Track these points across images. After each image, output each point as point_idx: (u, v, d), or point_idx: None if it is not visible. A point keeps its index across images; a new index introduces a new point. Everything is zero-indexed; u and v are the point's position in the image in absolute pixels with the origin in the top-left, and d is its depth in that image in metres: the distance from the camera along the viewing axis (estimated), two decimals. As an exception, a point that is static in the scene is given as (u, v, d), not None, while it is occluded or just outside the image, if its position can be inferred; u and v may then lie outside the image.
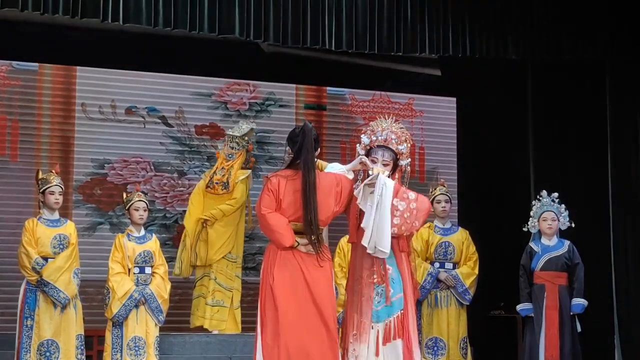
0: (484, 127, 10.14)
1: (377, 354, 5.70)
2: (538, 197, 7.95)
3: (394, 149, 5.83)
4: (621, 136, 8.81)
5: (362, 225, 5.71)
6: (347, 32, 7.69)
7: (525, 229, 7.96)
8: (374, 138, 5.90)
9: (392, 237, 5.67)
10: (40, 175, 7.32)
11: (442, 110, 10.45)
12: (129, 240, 7.44)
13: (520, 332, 9.26)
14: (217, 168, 8.45)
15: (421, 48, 8.04)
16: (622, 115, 8.81)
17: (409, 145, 5.90)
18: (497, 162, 9.98)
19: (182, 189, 9.59)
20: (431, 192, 8.07)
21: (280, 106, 10.03)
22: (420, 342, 7.08)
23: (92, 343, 7.73)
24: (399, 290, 5.75)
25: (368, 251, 5.70)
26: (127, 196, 7.60)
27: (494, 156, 10.00)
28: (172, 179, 9.61)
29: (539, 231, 7.88)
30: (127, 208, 7.55)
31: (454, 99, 10.46)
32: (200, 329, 8.33)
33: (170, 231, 9.50)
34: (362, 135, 5.95)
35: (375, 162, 5.81)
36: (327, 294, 5.68)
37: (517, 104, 9.58)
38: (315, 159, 5.72)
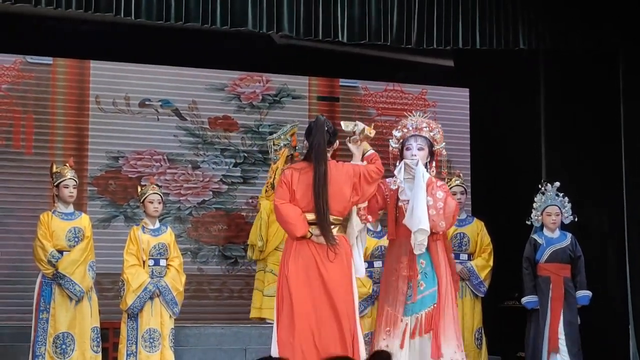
0: (496, 117, 10.12)
1: (401, 347, 5.74)
2: (542, 189, 7.92)
3: (427, 135, 5.96)
4: (635, 126, 8.77)
5: (403, 221, 5.79)
6: (359, 24, 7.68)
7: (528, 222, 7.96)
8: (405, 130, 6.11)
9: None
10: (55, 169, 7.36)
11: (455, 101, 10.44)
12: (144, 232, 7.48)
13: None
14: (269, 173, 8.84)
15: (434, 40, 8.01)
16: (636, 105, 8.77)
17: (440, 132, 6.02)
18: (510, 153, 9.96)
19: (195, 181, 9.62)
20: (446, 183, 8.07)
21: (293, 98, 10.05)
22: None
23: (107, 335, 7.78)
24: (432, 285, 5.79)
25: (420, 241, 5.75)
26: (141, 189, 7.64)
27: (506, 147, 9.99)
28: (186, 172, 9.64)
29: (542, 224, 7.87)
30: (141, 201, 7.59)
31: (467, 90, 10.44)
32: (258, 320, 8.50)
33: (184, 223, 9.54)
34: (393, 131, 6.11)
35: (410, 149, 5.94)
36: (341, 286, 5.73)
37: (530, 95, 9.55)
38: (330, 150, 5.88)
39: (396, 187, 6.00)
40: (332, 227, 5.80)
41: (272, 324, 8.03)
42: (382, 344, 5.81)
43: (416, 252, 5.81)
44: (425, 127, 6.06)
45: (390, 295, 5.89)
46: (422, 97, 10.46)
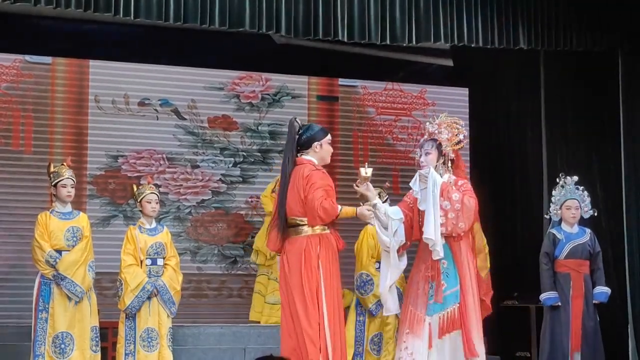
0: (496, 117, 10.13)
1: (430, 347, 5.76)
2: (561, 183, 7.72)
3: (437, 138, 5.99)
4: (634, 126, 8.78)
5: (423, 229, 5.82)
6: (359, 23, 7.68)
7: (547, 216, 7.82)
8: (423, 138, 6.19)
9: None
10: (52, 168, 7.31)
11: (455, 101, 10.42)
12: (141, 232, 7.45)
13: (534, 321, 9.27)
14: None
15: (433, 38, 8.00)
16: (635, 103, 8.77)
17: (450, 131, 5.99)
18: (510, 152, 9.96)
19: (195, 180, 9.62)
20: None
21: (293, 97, 10.05)
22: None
23: (107, 335, 7.77)
24: (454, 284, 5.80)
25: (432, 246, 5.82)
26: (138, 189, 7.60)
27: (506, 146, 9.99)
28: (185, 171, 9.64)
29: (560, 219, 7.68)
30: (139, 200, 7.54)
31: (466, 90, 10.44)
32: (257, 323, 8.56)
33: (183, 223, 9.54)
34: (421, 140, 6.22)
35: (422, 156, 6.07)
36: (291, 282, 5.82)
37: (530, 94, 9.56)
38: (299, 155, 5.97)
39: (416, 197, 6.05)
40: (295, 227, 5.91)
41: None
42: (402, 347, 5.86)
43: (434, 257, 5.84)
44: (436, 129, 6.06)
45: (413, 295, 5.95)
46: (422, 96, 10.46)
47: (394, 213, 6.01)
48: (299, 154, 6.00)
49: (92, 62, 9.43)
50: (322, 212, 5.75)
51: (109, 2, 6.88)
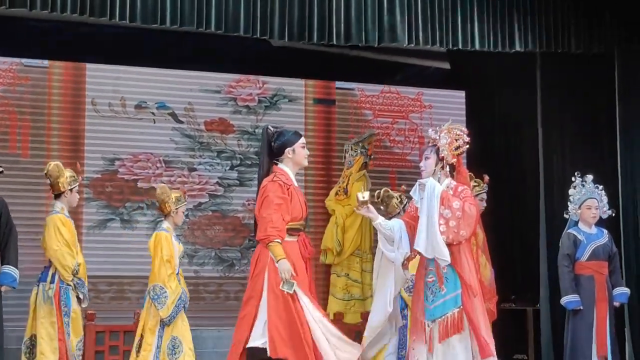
0: (493, 119, 10.13)
1: (430, 350, 5.76)
2: (581, 182, 7.54)
3: (437, 143, 6.01)
4: (631, 127, 8.79)
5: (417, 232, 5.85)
6: (355, 26, 7.67)
7: (566, 216, 7.59)
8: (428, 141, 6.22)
9: None
10: (70, 172, 7.32)
11: (451, 103, 10.43)
12: (174, 239, 7.44)
13: (531, 324, 9.28)
14: (342, 177, 9.25)
15: (429, 42, 8.00)
16: (632, 105, 8.78)
17: (449, 136, 6.00)
18: (506, 155, 9.97)
19: (192, 183, 9.62)
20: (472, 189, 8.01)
21: (290, 101, 10.05)
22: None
23: (103, 338, 7.76)
24: (454, 289, 5.79)
25: (424, 255, 5.83)
26: (177, 196, 7.50)
27: (503, 149, 9.99)
28: (182, 174, 9.64)
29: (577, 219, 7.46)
30: (176, 207, 7.45)
31: (463, 92, 10.45)
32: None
33: (180, 226, 9.51)
34: None
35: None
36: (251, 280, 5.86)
37: (526, 97, 9.56)
38: (275, 162, 5.93)
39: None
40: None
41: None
42: (411, 355, 5.89)
43: (441, 264, 5.83)
44: (437, 135, 6.07)
45: (417, 301, 5.96)
46: (418, 99, 10.46)
47: (395, 225, 6.07)
48: (275, 162, 5.97)
49: (88, 65, 9.43)
50: (263, 236, 5.76)
51: (104, 6, 6.88)
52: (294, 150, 5.95)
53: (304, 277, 5.81)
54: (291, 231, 5.83)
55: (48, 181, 7.40)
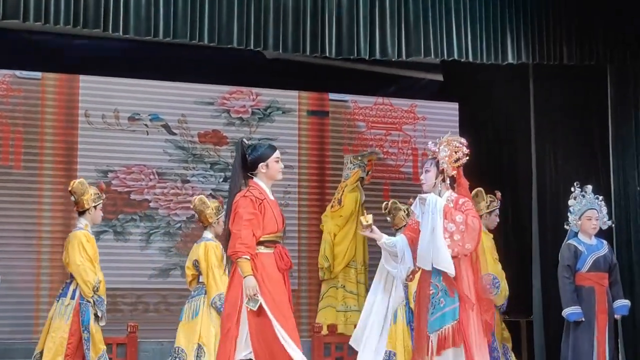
0: (486, 131, 10.14)
1: None
2: (582, 192, 7.46)
3: (436, 156, 6.02)
4: (623, 137, 8.80)
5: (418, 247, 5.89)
6: (347, 39, 7.68)
7: (567, 227, 7.49)
8: (429, 155, 6.22)
9: None
10: (94, 190, 7.36)
11: (445, 115, 10.46)
12: None
13: (524, 335, 9.27)
14: (338, 189, 9.35)
15: (423, 53, 8.00)
16: (624, 117, 8.80)
17: (448, 148, 6.00)
18: (500, 166, 9.98)
19: (185, 195, 9.61)
20: (489, 204, 8.02)
21: (283, 112, 10.06)
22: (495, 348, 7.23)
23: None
24: (453, 302, 5.79)
25: (425, 268, 5.86)
26: (217, 205, 7.59)
27: (496, 160, 10.00)
28: (175, 186, 9.64)
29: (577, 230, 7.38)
30: (217, 217, 7.53)
31: (456, 104, 10.46)
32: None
33: (173, 238, 9.52)
34: None
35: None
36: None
37: (519, 108, 9.58)
38: (249, 175, 5.86)
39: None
40: None
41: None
42: None
43: (450, 273, 5.84)
44: (436, 148, 6.07)
45: (420, 314, 5.97)
46: (412, 111, 10.48)
47: (399, 241, 6.10)
48: (250, 175, 5.90)
49: (82, 77, 9.44)
50: (232, 252, 5.72)
51: (98, 17, 6.88)
52: (267, 165, 5.85)
53: (281, 289, 5.74)
54: (267, 243, 5.78)
55: (72, 198, 7.41)
